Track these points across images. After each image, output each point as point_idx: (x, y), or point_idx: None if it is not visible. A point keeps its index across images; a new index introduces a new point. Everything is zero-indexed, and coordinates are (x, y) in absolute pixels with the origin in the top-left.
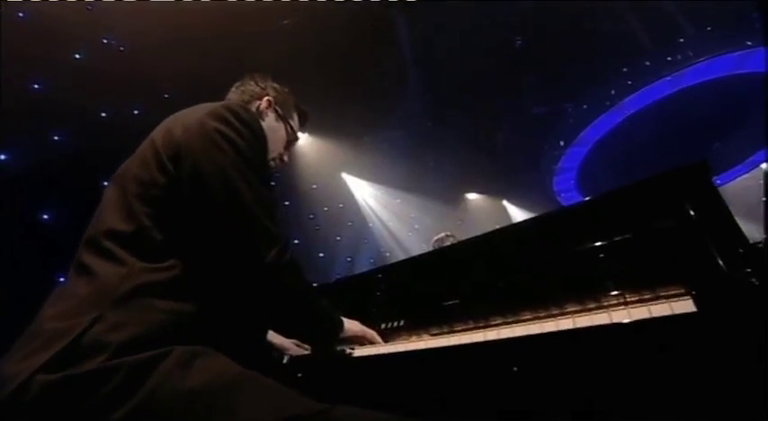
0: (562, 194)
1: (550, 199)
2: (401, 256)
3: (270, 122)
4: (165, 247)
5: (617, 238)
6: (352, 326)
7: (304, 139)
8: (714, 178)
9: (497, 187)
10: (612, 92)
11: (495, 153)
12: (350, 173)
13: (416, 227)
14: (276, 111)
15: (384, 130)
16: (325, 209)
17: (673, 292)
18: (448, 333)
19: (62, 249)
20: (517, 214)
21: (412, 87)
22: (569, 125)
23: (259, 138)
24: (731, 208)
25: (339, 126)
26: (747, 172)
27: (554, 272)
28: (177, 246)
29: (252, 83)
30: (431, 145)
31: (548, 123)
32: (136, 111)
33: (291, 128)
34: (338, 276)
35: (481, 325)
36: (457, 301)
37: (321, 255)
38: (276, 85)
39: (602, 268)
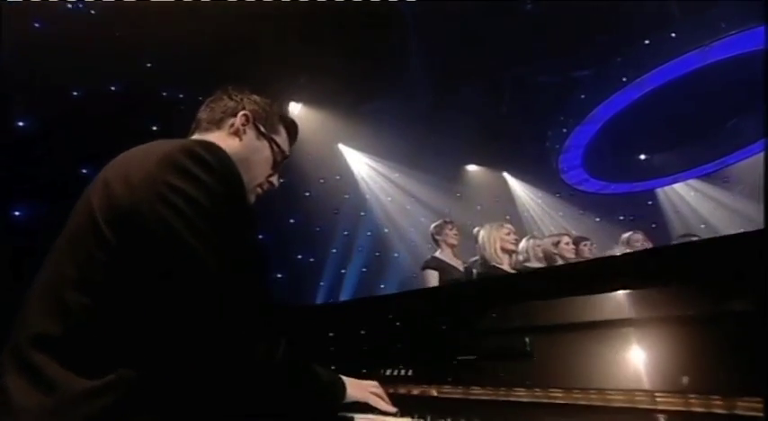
0: (567, 172)
1: (554, 174)
2: (396, 233)
3: (249, 142)
4: (108, 354)
5: (683, 313)
6: (353, 391)
7: (298, 110)
8: (726, 157)
9: (499, 159)
10: (630, 67)
11: (499, 123)
12: (346, 144)
13: (414, 199)
14: (257, 128)
15: (382, 101)
16: (322, 181)
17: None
18: (462, 396)
19: (38, 249)
20: (517, 187)
21: (413, 54)
22: (580, 102)
23: (230, 180)
24: (739, 187)
25: (335, 96)
26: (761, 151)
27: (599, 342)
28: (125, 350)
29: (224, 97)
30: (431, 115)
31: (556, 94)
32: (113, 88)
33: (278, 145)
34: (334, 251)
35: (501, 394)
36: (473, 357)
37: (318, 228)
38: (256, 97)
39: (661, 350)
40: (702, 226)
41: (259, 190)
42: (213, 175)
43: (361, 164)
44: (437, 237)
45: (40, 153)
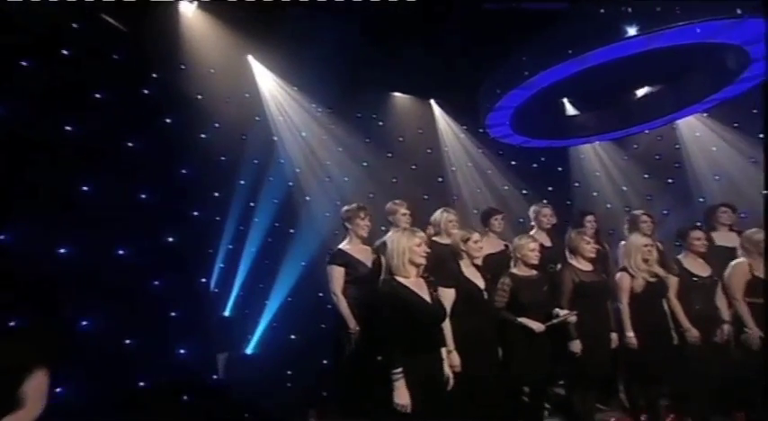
0: (493, 128)
1: (479, 113)
2: (309, 169)
3: None
4: None
5: None
6: None
7: (191, 11)
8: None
9: (428, 86)
10: (578, 38)
11: (434, 50)
12: (256, 58)
13: (332, 126)
14: None
15: (300, 11)
16: (227, 100)
17: None
18: None
19: None
20: (441, 120)
21: None
22: (519, 64)
23: None
24: (633, 146)
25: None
26: (664, 125)
27: None
28: None
29: None
30: (356, 34)
31: (498, 26)
32: None
33: None
34: (242, 183)
35: None
36: None
37: (223, 158)
38: None
39: None
40: (597, 174)
41: None
42: None
43: (271, 83)
44: (347, 225)
45: None
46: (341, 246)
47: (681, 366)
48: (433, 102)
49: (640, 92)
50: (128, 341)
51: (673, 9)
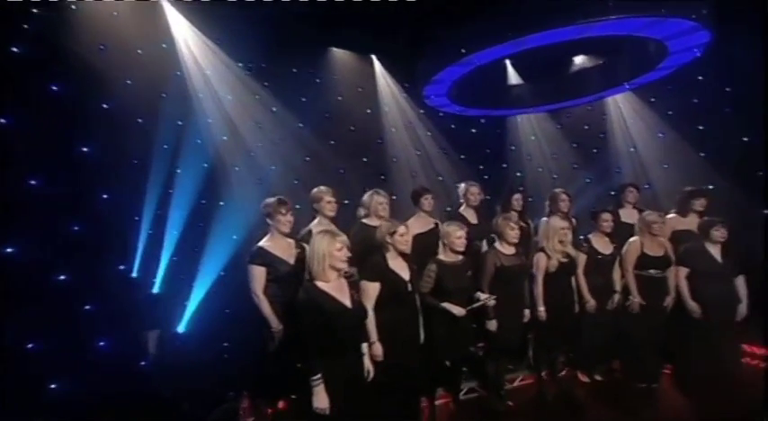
0: (430, 98)
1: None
2: (235, 136)
3: None
4: None
5: None
6: None
7: None
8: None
9: (368, 42)
10: (516, 24)
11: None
12: (170, 2)
13: (266, 83)
14: None
15: None
16: (140, 52)
17: None
18: None
19: None
20: (382, 78)
21: None
22: (459, 42)
23: None
24: (566, 115)
25: None
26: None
27: None
28: None
29: None
30: None
31: None
32: None
33: None
34: (166, 147)
35: None
36: None
37: (140, 120)
38: None
39: None
40: (532, 138)
41: None
42: None
43: (185, 30)
44: (268, 221)
45: None
46: (261, 244)
47: (578, 331)
48: (374, 57)
49: (576, 65)
50: (30, 345)
51: (606, 3)
